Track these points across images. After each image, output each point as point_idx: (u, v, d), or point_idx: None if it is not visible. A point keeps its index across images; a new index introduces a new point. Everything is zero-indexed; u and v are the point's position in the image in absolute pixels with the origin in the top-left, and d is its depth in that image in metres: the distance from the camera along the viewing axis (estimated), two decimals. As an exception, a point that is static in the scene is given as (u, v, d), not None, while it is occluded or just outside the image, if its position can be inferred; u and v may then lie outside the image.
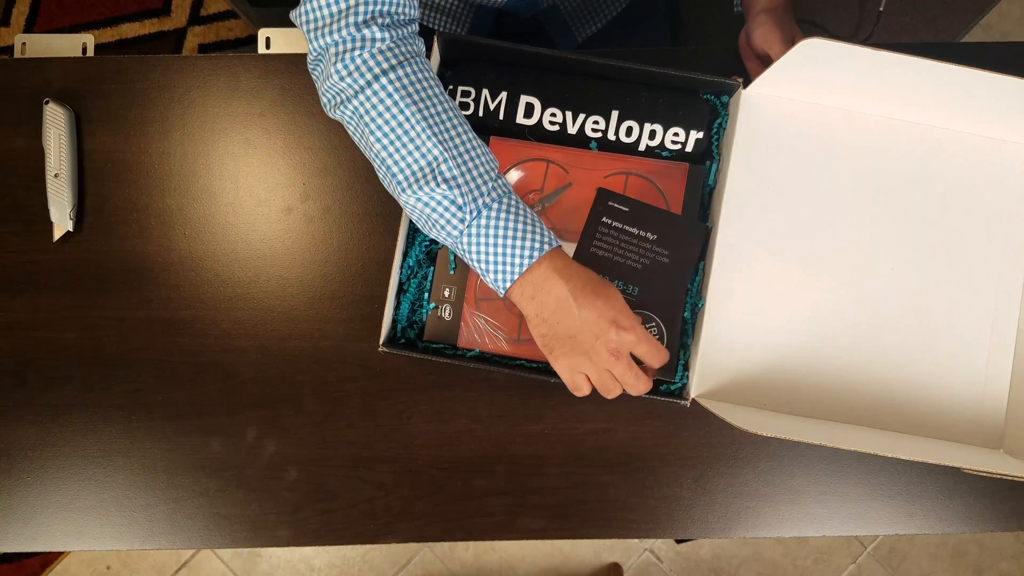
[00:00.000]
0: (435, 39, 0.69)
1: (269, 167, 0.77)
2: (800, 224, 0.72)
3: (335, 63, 0.58)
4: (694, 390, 0.68)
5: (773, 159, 0.72)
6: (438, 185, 0.58)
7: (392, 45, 0.59)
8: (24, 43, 0.83)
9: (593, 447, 0.75)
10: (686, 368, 0.69)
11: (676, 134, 0.70)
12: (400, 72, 0.59)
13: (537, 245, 0.60)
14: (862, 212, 0.72)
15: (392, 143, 0.59)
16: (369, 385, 0.75)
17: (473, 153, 0.60)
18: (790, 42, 0.69)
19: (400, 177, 0.59)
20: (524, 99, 0.70)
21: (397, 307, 0.71)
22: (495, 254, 0.60)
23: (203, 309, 0.76)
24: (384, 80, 0.58)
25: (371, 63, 0.58)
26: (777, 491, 0.75)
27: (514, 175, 0.71)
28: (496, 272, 0.60)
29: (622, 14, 0.93)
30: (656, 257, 0.68)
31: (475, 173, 0.60)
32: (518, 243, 0.59)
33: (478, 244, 0.60)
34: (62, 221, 0.76)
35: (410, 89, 0.59)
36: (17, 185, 0.77)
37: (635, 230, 0.68)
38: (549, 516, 0.75)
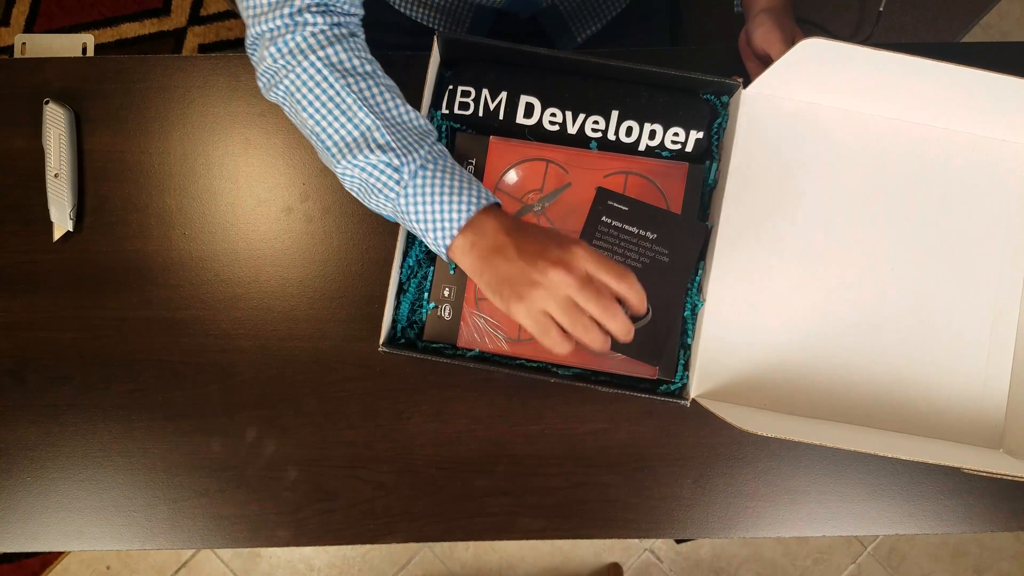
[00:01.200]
0: (435, 39, 0.69)
1: (269, 167, 0.77)
2: (800, 224, 0.72)
3: (269, 47, 0.60)
4: (694, 390, 0.68)
5: (773, 159, 0.72)
6: (372, 151, 0.59)
7: (325, 29, 0.61)
8: (24, 43, 0.83)
9: (593, 447, 0.75)
10: (686, 368, 0.69)
11: (676, 134, 0.70)
12: (330, 51, 0.60)
13: (475, 200, 0.59)
14: (862, 212, 0.72)
15: (324, 117, 0.60)
16: (369, 385, 0.75)
17: (406, 119, 0.61)
18: (790, 42, 0.69)
19: (335, 149, 0.60)
20: (524, 99, 0.70)
21: (397, 307, 0.71)
22: (433, 212, 0.60)
23: (203, 309, 0.76)
24: (313, 57, 0.60)
25: (303, 44, 0.60)
26: (777, 491, 0.75)
27: (514, 175, 0.71)
28: (436, 231, 0.60)
29: (622, 14, 0.93)
30: (656, 256, 0.68)
31: (410, 138, 0.60)
32: (455, 199, 0.59)
33: (416, 204, 0.60)
34: (62, 221, 0.76)
35: (340, 67, 0.60)
36: (17, 185, 0.77)
37: (635, 229, 0.68)
38: (549, 516, 0.75)
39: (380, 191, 0.61)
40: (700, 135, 0.70)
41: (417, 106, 0.68)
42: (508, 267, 0.57)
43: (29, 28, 1.63)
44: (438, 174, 0.60)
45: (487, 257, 0.58)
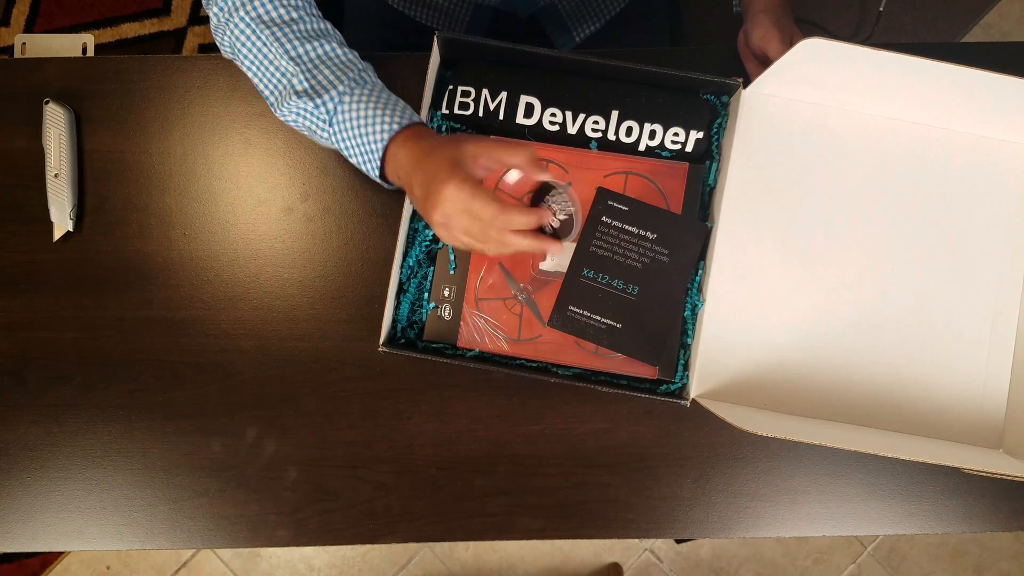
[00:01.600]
0: (435, 39, 0.69)
1: (269, 167, 0.77)
2: (800, 224, 0.72)
3: (212, 6, 0.65)
4: (694, 390, 0.68)
5: (773, 159, 0.72)
6: (298, 97, 0.63)
7: None
8: (24, 43, 0.83)
9: (593, 447, 0.75)
10: (686, 368, 0.69)
11: (676, 134, 0.70)
12: (256, 4, 0.64)
13: (397, 119, 0.62)
14: (862, 212, 0.72)
15: (258, 70, 0.65)
16: (369, 385, 0.75)
17: (326, 62, 0.64)
18: (788, 42, 0.69)
19: (272, 99, 0.66)
20: (524, 99, 0.70)
21: (397, 307, 0.71)
22: (359, 143, 0.63)
23: (203, 309, 0.76)
24: (242, 12, 0.64)
25: (236, 1, 0.64)
26: (777, 491, 0.75)
27: (514, 175, 0.71)
28: (365, 160, 0.63)
29: (621, 14, 0.93)
30: (656, 256, 0.68)
31: (329, 77, 0.63)
32: (370, 127, 0.62)
33: (344, 141, 0.63)
34: (62, 221, 0.76)
35: (266, 18, 0.64)
36: (17, 185, 0.77)
37: (635, 229, 0.68)
38: (549, 516, 0.75)
39: (316, 133, 0.65)
40: (700, 135, 0.70)
41: (417, 107, 0.68)
42: (421, 180, 0.60)
43: (29, 28, 1.62)
44: (353, 104, 0.63)
45: (409, 180, 0.62)
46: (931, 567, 1.61)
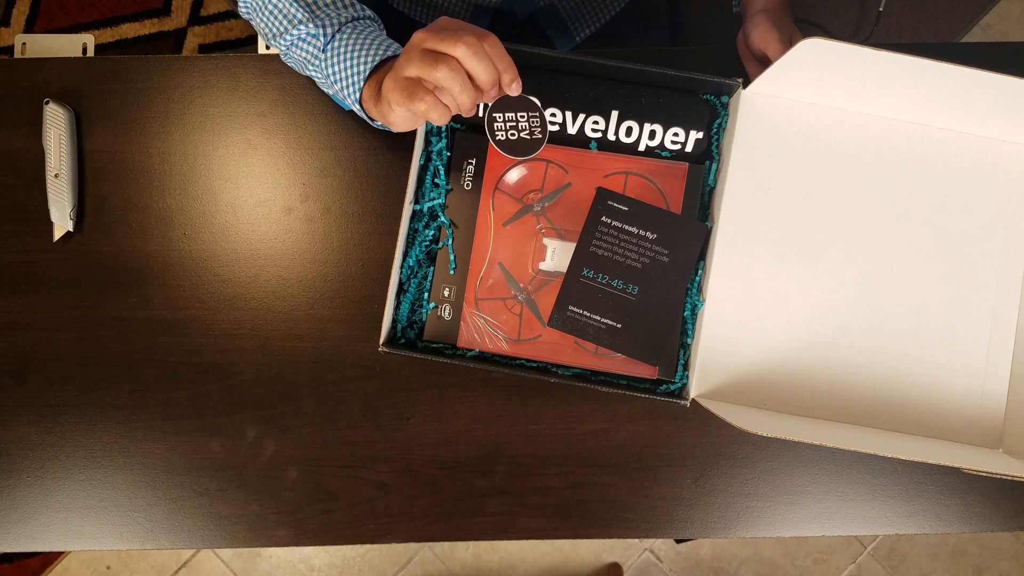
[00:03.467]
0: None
1: (269, 167, 0.77)
2: (800, 224, 0.72)
3: None
4: (694, 390, 0.68)
5: (773, 159, 0.72)
6: (295, 27, 0.67)
7: None
8: (24, 43, 0.83)
9: (593, 447, 0.75)
10: (686, 368, 0.69)
11: (676, 134, 0.70)
12: None
13: (375, 54, 0.64)
14: (862, 212, 0.72)
15: (266, 16, 0.69)
16: (369, 385, 0.75)
17: (334, 2, 0.68)
18: (787, 42, 0.69)
19: (274, 34, 0.69)
20: (524, 99, 0.70)
21: (397, 307, 0.71)
22: (345, 70, 0.66)
23: (203, 309, 0.76)
24: None
25: None
26: (777, 491, 0.75)
27: (514, 175, 0.71)
28: (348, 87, 0.66)
29: (621, 14, 0.93)
30: (656, 256, 0.68)
31: (328, 12, 0.67)
32: (360, 55, 0.65)
33: (333, 67, 0.66)
34: (62, 221, 0.76)
35: None
36: (17, 185, 0.77)
37: (635, 229, 0.68)
38: (549, 516, 0.75)
39: (309, 62, 0.68)
40: (700, 135, 0.71)
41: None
42: (389, 92, 0.58)
43: (29, 28, 1.63)
44: (353, 36, 0.66)
45: (383, 105, 0.62)
46: (931, 567, 1.61)
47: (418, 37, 0.56)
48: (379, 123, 0.68)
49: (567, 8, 0.89)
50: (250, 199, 0.77)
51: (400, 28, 0.91)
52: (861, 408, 0.71)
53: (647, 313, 0.67)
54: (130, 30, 1.63)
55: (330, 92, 0.71)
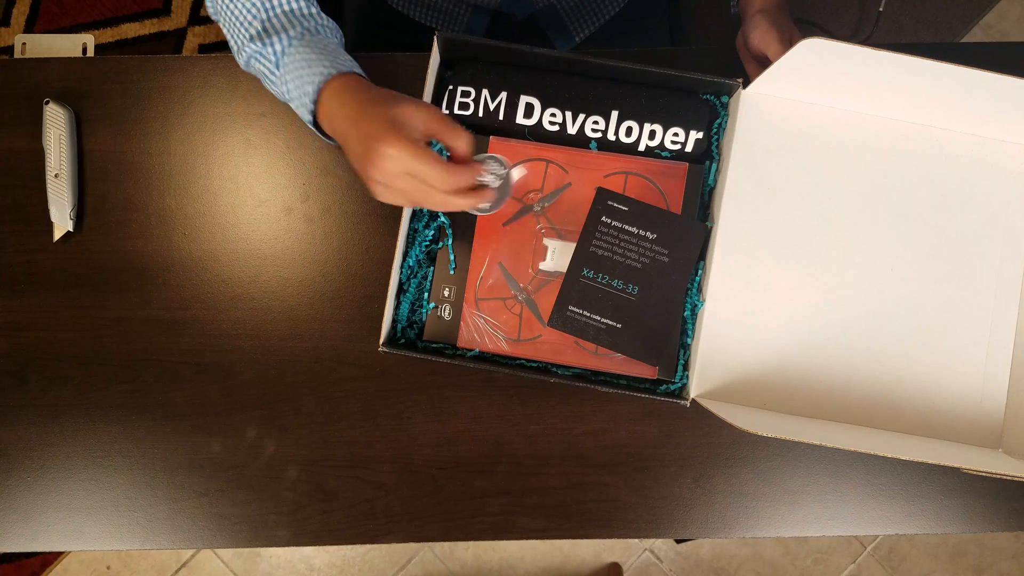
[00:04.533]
0: (435, 39, 0.69)
1: (269, 167, 0.77)
2: (800, 224, 0.72)
3: None
4: (694, 390, 0.68)
5: (773, 159, 0.72)
6: (252, 42, 0.65)
7: None
8: (24, 43, 0.83)
9: (593, 447, 0.75)
10: (686, 368, 0.69)
11: (676, 134, 0.70)
12: None
13: (323, 72, 0.62)
14: (862, 212, 0.72)
15: (232, 24, 0.67)
16: (369, 385, 0.75)
17: (286, 10, 0.66)
18: (787, 43, 0.69)
19: (234, 47, 0.68)
20: (524, 99, 0.70)
21: (397, 307, 0.71)
22: (297, 88, 0.64)
23: (203, 309, 0.76)
24: None
25: None
26: (777, 491, 0.75)
27: (514, 175, 0.71)
28: (302, 103, 0.64)
29: (620, 14, 0.93)
30: (656, 256, 0.68)
31: (282, 23, 0.65)
32: (306, 72, 0.63)
33: (287, 84, 0.64)
34: (62, 221, 0.76)
35: None
36: (17, 185, 0.77)
37: (635, 229, 0.68)
38: (549, 516, 0.75)
39: (267, 77, 0.67)
40: (700, 135, 0.71)
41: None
42: (357, 137, 0.59)
43: (29, 28, 1.62)
44: (301, 50, 0.64)
45: (341, 131, 0.62)
46: (931, 567, 1.61)
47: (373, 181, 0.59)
48: (335, 142, 0.66)
49: (566, 8, 0.89)
50: (250, 199, 0.77)
51: (400, 28, 0.91)
52: (861, 408, 0.71)
53: (647, 313, 0.67)
54: (130, 30, 1.63)
55: (280, 95, 0.68)
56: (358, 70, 0.64)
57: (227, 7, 0.67)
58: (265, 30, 0.65)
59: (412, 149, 0.56)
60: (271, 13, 0.65)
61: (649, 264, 0.68)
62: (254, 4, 0.65)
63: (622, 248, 0.68)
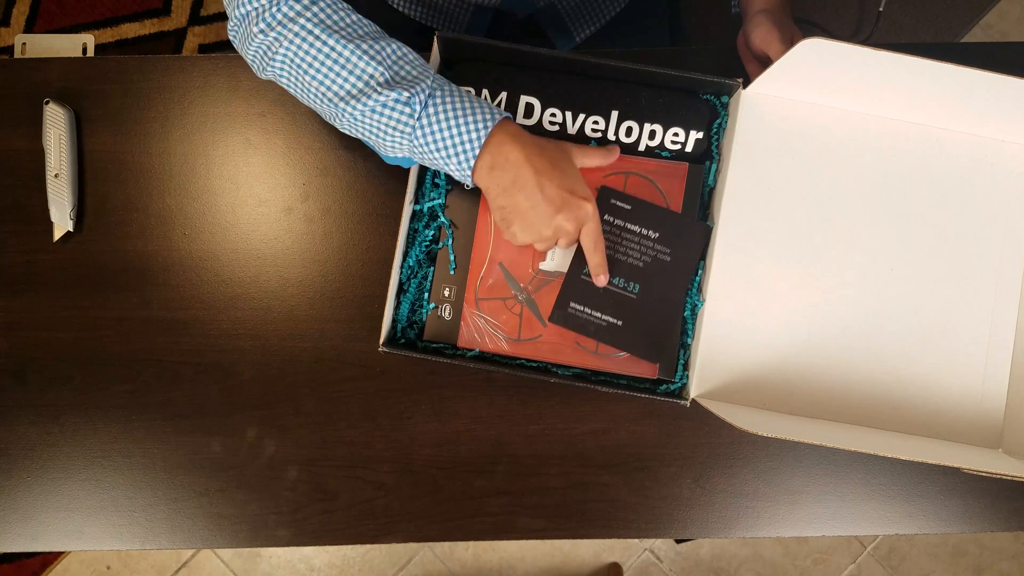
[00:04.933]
0: (435, 39, 0.69)
1: (269, 167, 0.77)
2: (800, 224, 0.72)
3: (257, 22, 0.60)
4: (694, 390, 0.68)
5: (773, 159, 0.72)
6: (380, 92, 0.60)
7: None
8: (24, 43, 0.83)
9: (593, 447, 0.75)
10: (686, 368, 0.69)
11: (676, 134, 0.70)
12: (316, 10, 0.60)
13: (488, 116, 0.61)
14: (862, 212, 0.72)
15: (328, 74, 0.60)
16: (369, 385, 0.75)
17: (405, 60, 0.62)
18: (789, 43, 0.69)
19: (342, 103, 0.61)
20: (524, 99, 0.70)
21: (397, 307, 0.71)
22: (452, 135, 0.61)
23: (203, 309, 0.76)
24: (303, 20, 0.60)
25: (290, 12, 0.60)
26: (777, 491, 0.75)
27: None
28: (457, 155, 0.61)
29: (621, 14, 0.93)
30: (658, 255, 0.68)
31: (413, 74, 0.61)
32: (470, 118, 0.61)
33: (433, 132, 0.61)
34: (62, 221, 0.76)
35: (329, 22, 0.61)
36: (17, 185, 0.77)
37: (637, 228, 0.68)
38: (549, 516, 0.75)
39: (395, 128, 0.61)
40: (700, 135, 0.71)
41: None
42: (527, 205, 0.62)
43: (29, 28, 1.62)
44: (447, 99, 0.61)
45: (507, 188, 0.62)
46: (931, 567, 1.61)
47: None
48: (472, 184, 0.64)
49: (567, 8, 0.89)
50: (250, 199, 0.77)
51: (400, 28, 0.91)
52: (861, 408, 0.71)
53: (648, 311, 0.67)
54: (130, 30, 1.63)
55: (402, 155, 0.64)
56: (507, 114, 0.63)
57: (330, 62, 0.60)
58: (401, 80, 0.61)
59: (597, 216, 0.65)
60: (393, 63, 0.61)
61: (651, 263, 0.68)
62: (371, 56, 0.60)
63: (624, 246, 0.68)
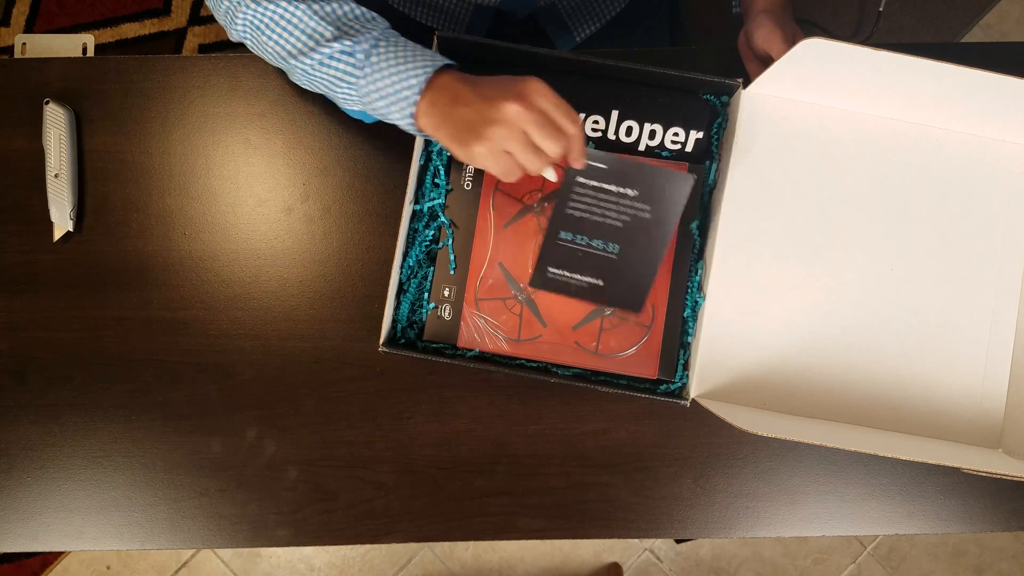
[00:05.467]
0: (435, 39, 0.69)
1: (269, 167, 0.77)
2: (800, 224, 0.72)
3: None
4: (694, 390, 0.68)
5: (773, 159, 0.72)
6: (326, 44, 0.63)
7: None
8: (24, 43, 0.83)
9: (593, 447, 0.75)
10: (686, 368, 0.69)
11: (676, 134, 0.70)
12: None
13: (429, 63, 0.61)
14: (862, 212, 0.72)
15: (281, 34, 0.64)
16: (369, 385, 0.75)
17: (353, 15, 0.64)
18: (791, 42, 0.68)
19: (293, 55, 0.64)
20: (524, 99, 0.70)
21: (397, 307, 0.71)
22: (393, 84, 0.62)
23: (203, 309, 0.76)
24: None
25: None
26: (777, 491, 0.75)
27: (514, 175, 0.71)
28: (399, 101, 0.62)
29: (621, 14, 0.93)
30: (637, 213, 0.65)
31: (357, 28, 0.63)
32: (410, 66, 0.61)
33: (376, 82, 0.62)
34: (62, 221, 0.76)
35: None
36: (17, 185, 0.77)
37: (614, 187, 0.65)
38: (549, 516, 0.75)
39: (342, 80, 0.63)
40: (700, 135, 0.71)
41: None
42: (467, 111, 0.60)
43: (29, 28, 1.62)
44: (391, 49, 0.62)
45: (447, 110, 0.60)
46: (931, 567, 1.61)
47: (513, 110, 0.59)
48: (425, 134, 0.65)
49: (567, 8, 0.89)
50: (250, 199, 0.77)
51: (400, 28, 0.91)
52: (861, 408, 0.71)
53: (629, 268, 0.66)
54: (130, 30, 1.63)
55: (355, 107, 0.67)
56: (449, 60, 0.63)
57: (282, 23, 0.63)
58: (346, 33, 0.63)
59: (536, 116, 0.58)
60: (340, 20, 0.64)
61: (630, 221, 0.65)
62: (320, 16, 0.63)
63: (600, 208, 0.65)
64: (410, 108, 0.62)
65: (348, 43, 0.62)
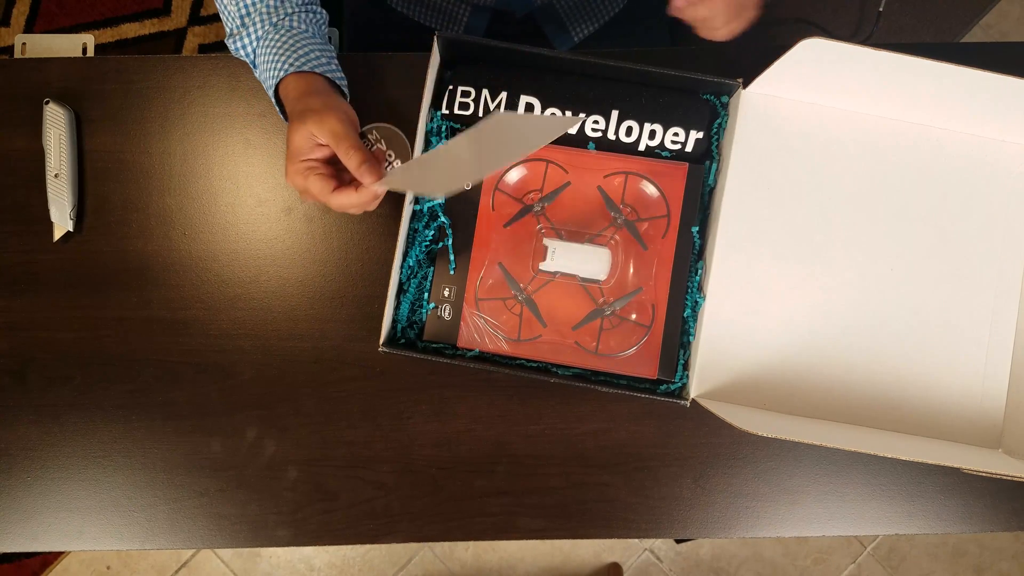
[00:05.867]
0: (435, 39, 0.69)
1: (269, 167, 0.77)
2: (800, 224, 0.72)
3: None
4: (694, 390, 0.68)
5: (773, 159, 0.72)
6: (229, 39, 0.70)
7: None
8: (24, 43, 0.83)
9: (593, 447, 0.75)
10: (686, 368, 0.69)
11: (676, 134, 0.70)
12: None
13: (278, 73, 0.66)
14: (861, 212, 0.72)
15: (226, 21, 0.71)
16: (369, 385, 0.75)
17: (255, 8, 0.69)
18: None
19: (227, 32, 0.71)
20: (524, 99, 0.70)
21: (397, 307, 0.71)
22: (265, 82, 0.69)
23: (203, 309, 0.76)
24: None
25: None
26: (777, 491, 0.75)
27: (514, 175, 0.71)
28: (272, 99, 0.69)
29: (620, 14, 0.93)
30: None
31: (251, 18, 0.68)
32: (271, 68, 0.67)
33: (264, 80, 0.69)
34: (62, 221, 0.76)
35: None
36: (17, 185, 0.77)
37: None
38: (549, 516, 0.75)
39: (254, 70, 0.71)
40: (700, 135, 0.71)
41: (417, 107, 0.68)
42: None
43: (29, 28, 1.62)
44: (266, 48, 0.67)
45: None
46: (931, 567, 1.61)
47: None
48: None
49: (565, 7, 0.89)
50: (250, 199, 0.77)
51: (400, 28, 0.91)
52: (861, 408, 0.71)
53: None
54: (130, 30, 1.63)
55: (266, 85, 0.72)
56: (309, 66, 0.66)
57: (224, 14, 0.70)
58: (243, 24, 0.69)
59: (300, 181, 0.63)
60: (246, 11, 0.68)
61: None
62: (237, 5, 0.68)
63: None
64: (277, 109, 0.68)
65: (233, 43, 0.69)
